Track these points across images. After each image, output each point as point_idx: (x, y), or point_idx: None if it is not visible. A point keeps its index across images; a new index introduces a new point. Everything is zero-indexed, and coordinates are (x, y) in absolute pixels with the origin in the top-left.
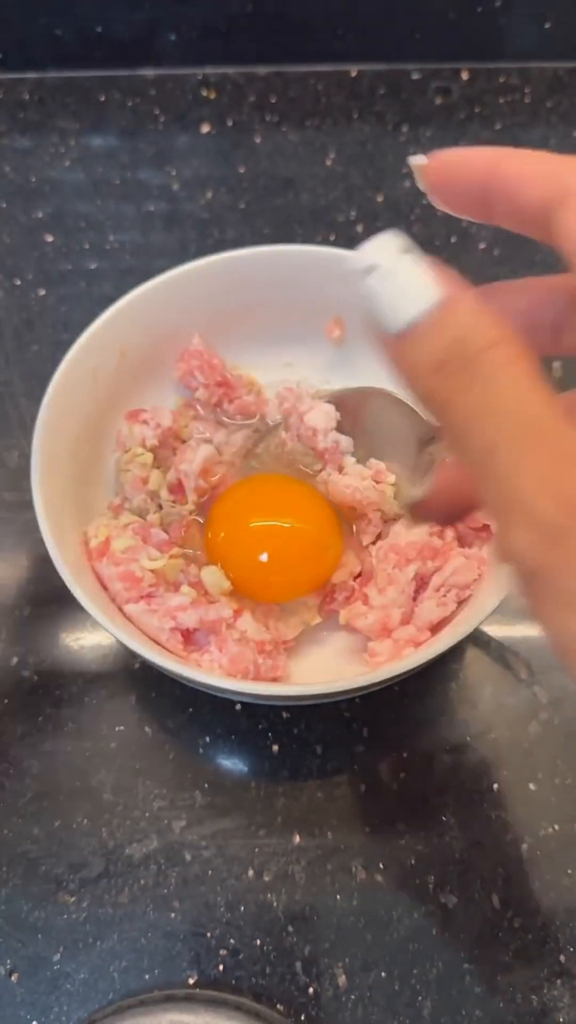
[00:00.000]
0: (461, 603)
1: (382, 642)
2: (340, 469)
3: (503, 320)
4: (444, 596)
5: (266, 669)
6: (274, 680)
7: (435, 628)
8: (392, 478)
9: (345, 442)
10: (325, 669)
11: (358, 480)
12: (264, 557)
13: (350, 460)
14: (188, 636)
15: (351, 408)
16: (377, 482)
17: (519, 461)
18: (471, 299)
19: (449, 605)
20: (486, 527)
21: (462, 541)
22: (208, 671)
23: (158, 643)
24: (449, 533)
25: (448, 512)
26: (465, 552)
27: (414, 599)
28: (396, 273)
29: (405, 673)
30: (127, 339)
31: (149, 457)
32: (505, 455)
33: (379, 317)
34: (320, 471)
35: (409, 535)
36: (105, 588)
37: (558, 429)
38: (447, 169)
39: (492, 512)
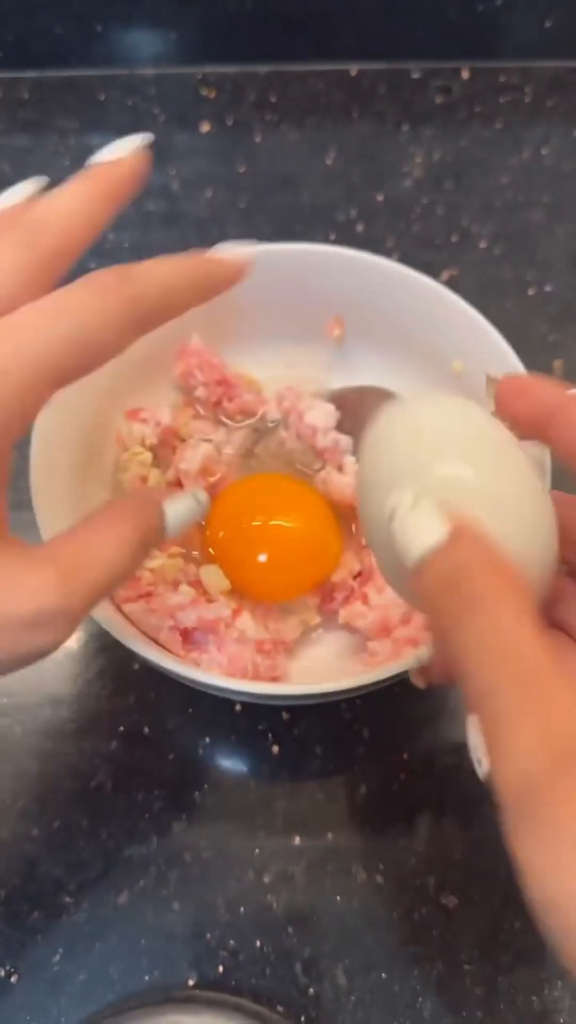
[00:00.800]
0: None
1: (382, 641)
2: (340, 468)
3: (504, 557)
4: None
5: (265, 669)
6: (273, 680)
7: None
8: None
9: (345, 441)
10: (324, 669)
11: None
12: (263, 556)
13: (350, 459)
14: (187, 635)
15: (351, 407)
16: None
17: (513, 711)
18: (475, 535)
19: None
20: None
21: None
22: (207, 671)
23: (157, 642)
24: None
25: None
26: None
27: None
28: (408, 517)
29: (405, 672)
30: None
31: (148, 456)
32: (502, 701)
33: (401, 555)
34: (320, 470)
35: None
36: None
37: (550, 679)
38: (515, 393)
39: (486, 736)
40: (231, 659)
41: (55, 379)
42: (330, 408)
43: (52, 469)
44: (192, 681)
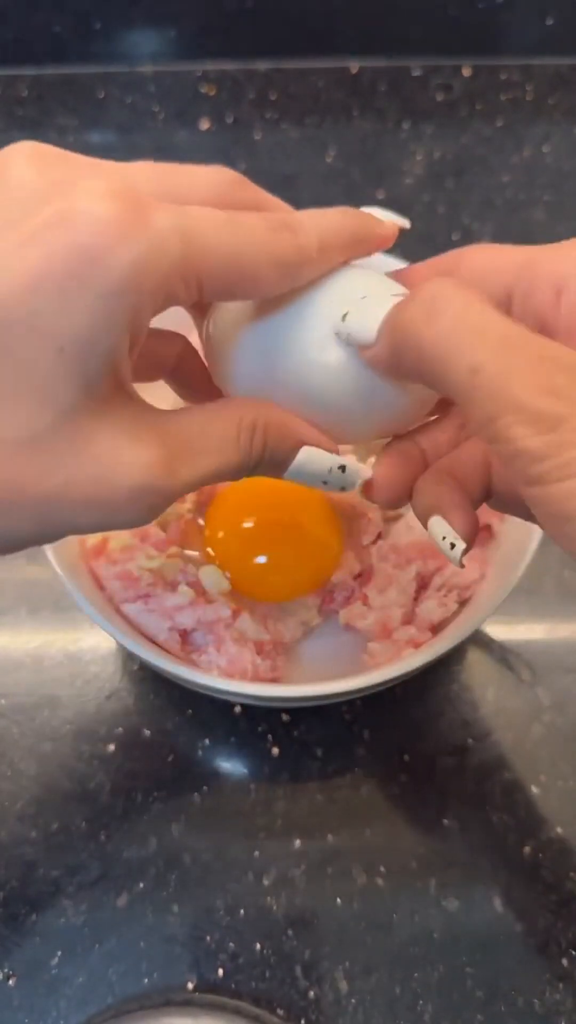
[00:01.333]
0: (462, 604)
1: (382, 643)
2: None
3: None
4: (445, 596)
5: (264, 670)
6: (273, 681)
7: (436, 629)
8: None
9: None
10: (324, 670)
11: None
12: (263, 557)
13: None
14: (186, 636)
15: None
16: None
17: (508, 370)
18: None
19: (450, 606)
20: (487, 527)
21: None
22: (206, 672)
23: (156, 643)
24: None
25: (394, 496)
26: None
27: (415, 599)
28: (363, 305)
29: (405, 674)
30: None
31: None
32: (492, 367)
33: (363, 339)
34: None
35: (410, 535)
36: (102, 588)
37: (532, 338)
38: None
39: (483, 427)
40: (230, 660)
41: (207, 280)
42: None
43: None
44: (191, 683)
